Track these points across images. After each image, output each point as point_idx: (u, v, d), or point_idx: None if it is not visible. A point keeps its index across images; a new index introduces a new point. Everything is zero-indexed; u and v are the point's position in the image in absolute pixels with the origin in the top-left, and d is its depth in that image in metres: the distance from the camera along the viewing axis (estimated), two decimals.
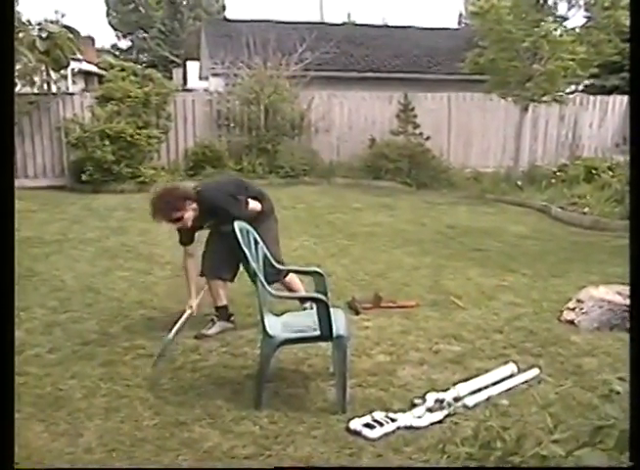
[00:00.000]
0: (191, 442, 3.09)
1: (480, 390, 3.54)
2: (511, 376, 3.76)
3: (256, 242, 3.65)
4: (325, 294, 3.57)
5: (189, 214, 4.21)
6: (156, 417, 3.32)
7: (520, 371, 3.83)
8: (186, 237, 4.53)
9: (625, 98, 14.52)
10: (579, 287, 5.26)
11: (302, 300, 4.57)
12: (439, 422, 3.24)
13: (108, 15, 35.29)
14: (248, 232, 3.59)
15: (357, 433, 3.13)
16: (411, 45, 17.22)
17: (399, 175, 11.84)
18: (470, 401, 3.40)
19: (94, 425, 3.20)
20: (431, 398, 3.40)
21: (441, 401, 3.36)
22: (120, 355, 4.10)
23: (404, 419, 3.23)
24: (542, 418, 3.02)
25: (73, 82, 18.82)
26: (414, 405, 3.39)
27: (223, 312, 4.56)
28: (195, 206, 4.22)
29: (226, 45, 14.01)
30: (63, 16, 12.14)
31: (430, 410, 3.32)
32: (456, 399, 3.40)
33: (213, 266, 4.53)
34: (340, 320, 3.50)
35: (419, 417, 3.25)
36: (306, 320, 3.47)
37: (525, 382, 3.71)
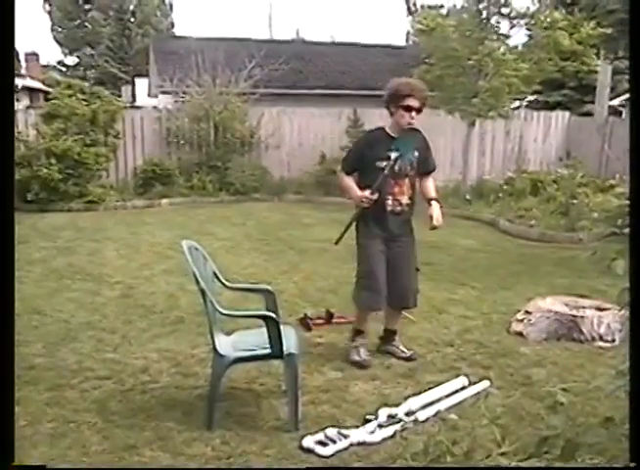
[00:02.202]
0: (141, 466, 3.02)
1: (431, 403, 3.57)
2: (462, 389, 3.80)
3: (205, 259, 3.62)
4: (275, 312, 3.56)
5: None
6: (104, 442, 3.24)
7: (470, 384, 3.88)
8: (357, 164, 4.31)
9: (567, 114, 14.95)
10: (527, 299, 5.38)
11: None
12: (392, 437, 3.25)
13: (52, 30, 34.74)
14: (197, 249, 3.55)
15: (310, 451, 3.12)
16: (359, 62, 17.41)
17: None
18: (421, 416, 3.42)
19: (39, 452, 3.10)
20: (383, 413, 3.41)
21: (393, 417, 3.37)
22: (68, 379, 4.00)
23: (357, 435, 3.22)
24: (492, 431, 3.07)
25: (17, 99, 18.43)
26: (366, 421, 3.39)
27: (360, 334, 4.40)
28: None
29: (175, 62, 13.91)
30: None
31: (381, 426, 3.32)
32: (408, 414, 3.42)
33: (364, 296, 4.31)
34: (290, 338, 3.49)
35: (371, 433, 3.26)
36: (257, 338, 3.45)
37: (477, 394, 3.75)
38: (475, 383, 3.92)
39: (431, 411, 3.47)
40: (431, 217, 4.24)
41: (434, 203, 4.27)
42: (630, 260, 1.65)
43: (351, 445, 3.17)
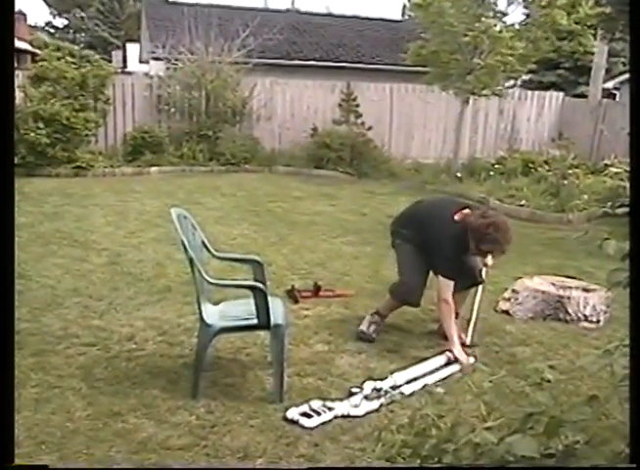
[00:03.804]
0: (125, 432, 3.03)
1: (416, 378, 3.58)
2: (447, 364, 3.82)
3: (194, 228, 3.59)
4: (263, 283, 3.55)
5: None
6: (88, 408, 3.24)
7: (455, 360, 3.89)
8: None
9: (561, 94, 14.92)
10: (515, 278, 5.40)
11: None
12: (376, 410, 3.27)
13: None
14: (186, 218, 3.52)
15: (294, 422, 3.13)
16: (354, 35, 17.27)
17: (341, 165, 11.86)
18: (406, 390, 3.44)
19: (22, 417, 3.09)
20: (368, 386, 3.42)
21: (378, 390, 3.39)
22: (53, 345, 3.98)
23: (341, 408, 3.24)
24: (477, 406, 3.10)
25: None
26: (351, 394, 3.40)
27: (380, 315, 4.38)
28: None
29: (167, 28, 13.73)
30: None
31: (367, 398, 3.34)
32: (393, 388, 3.43)
33: (402, 290, 4.26)
34: (277, 309, 3.48)
35: (356, 406, 3.27)
36: (244, 309, 3.44)
37: (461, 370, 3.77)
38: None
39: (416, 385, 3.49)
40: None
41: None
42: (631, 241, 1.64)
43: (335, 417, 3.18)
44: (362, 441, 3.00)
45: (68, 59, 11.15)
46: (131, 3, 32.35)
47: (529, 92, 15.16)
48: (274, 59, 14.59)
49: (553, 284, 5.00)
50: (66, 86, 10.81)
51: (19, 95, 11.00)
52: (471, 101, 12.04)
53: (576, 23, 10.76)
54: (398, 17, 28.42)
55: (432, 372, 3.69)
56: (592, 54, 14.72)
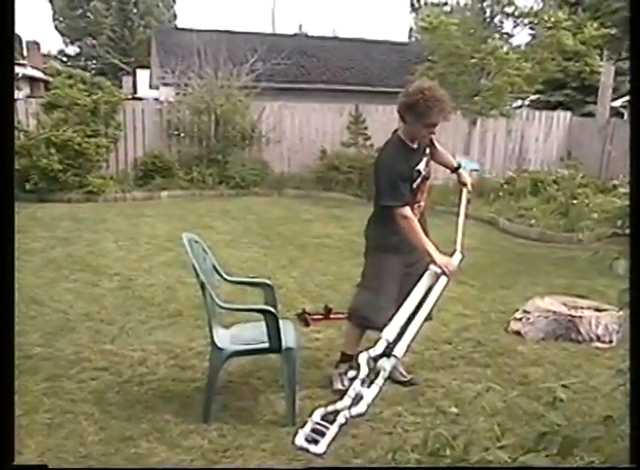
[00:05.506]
0: (137, 457, 3.03)
1: (408, 323, 3.20)
2: (431, 287, 3.40)
3: (205, 252, 3.61)
4: (274, 306, 3.56)
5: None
6: (101, 432, 3.25)
7: (443, 272, 3.46)
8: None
9: (569, 114, 14.95)
10: (526, 298, 5.38)
11: None
12: (376, 396, 3.04)
13: (54, 19, 34.70)
14: (197, 242, 3.55)
15: (304, 449, 3.07)
16: (362, 58, 17.40)
17: (350, 187, 11.89)
18: (399, 351, 3.06)
19: (35, 442, 3.10)
20: (363, 359, 3.00)
21: (375, 360, 3.10)
22: (65, 369, 4.00)
23: (343, 411, 2.93)
24: (490, 427, 3.07)
25: (17, 88, 18.36)
26: (350, 380, 3.15)
27: (347, 360, 3.86)
28: None
29: (177, 54, 13.89)
30: None
31: (364, 382, 3.06)
32: (387, 350, 3.09)
33: (366, 312, 3.75)
34: (289, 332, 3.49)
35: (356, 402, 2.99)
36: (255, 332, 3.45)
37: (446, 287, 3.46)
38: (471, 381, 3.91)
39: (407, 338, 3.11)
40: (464, 184, 4.31)
41: (460, 170, 4.29)
42: (631, 261, 1.65)
43: (340, 426, 2.99)
44: (375, 462, 2.98)
45: (80, 86, 11.32)
46: (141, 30, 32.82)
47: (537, 112, 15.18)
48: (282, 83, 14.71)
49: (564, 304, 4.98)
50: (77, 113, 10.95)
51: (32, 122, 11.16)
52: (479, 122, 12.10)
53: (582, 43, 10.80)
54: (405, 39, 28.69)
55: (421, 304, 3.28)
56: (599, 73, 14.74)
